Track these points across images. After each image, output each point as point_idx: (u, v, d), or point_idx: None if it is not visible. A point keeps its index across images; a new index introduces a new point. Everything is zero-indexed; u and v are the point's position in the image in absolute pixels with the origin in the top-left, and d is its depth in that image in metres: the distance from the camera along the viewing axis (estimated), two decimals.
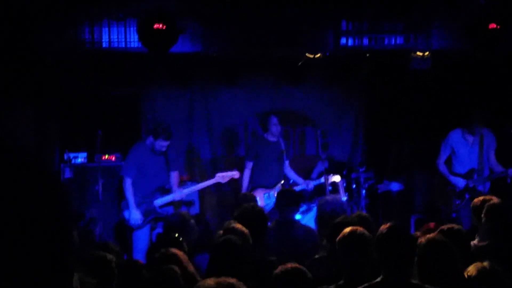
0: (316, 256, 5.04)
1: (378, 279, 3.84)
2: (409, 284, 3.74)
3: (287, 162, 9.02)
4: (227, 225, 5.40)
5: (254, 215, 5.63)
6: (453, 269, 3.99)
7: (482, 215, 5.27)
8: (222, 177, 8.17)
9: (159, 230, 7.50)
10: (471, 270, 3.31)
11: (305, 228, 6.53)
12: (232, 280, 2.54)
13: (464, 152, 8.42)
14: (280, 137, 9.00)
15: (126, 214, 7.77)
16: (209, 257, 4.70)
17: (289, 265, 3.90)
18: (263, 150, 8.72)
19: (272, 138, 8.80)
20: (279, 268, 3.88)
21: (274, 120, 8.75)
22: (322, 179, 8.75)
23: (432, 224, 6.62)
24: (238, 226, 5.26)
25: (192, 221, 5.91)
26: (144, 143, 7.97)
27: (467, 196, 8.26)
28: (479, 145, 8.32)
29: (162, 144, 7.74)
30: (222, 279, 2.54)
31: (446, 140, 8.51)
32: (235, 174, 8.25)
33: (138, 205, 7.74)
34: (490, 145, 8.36)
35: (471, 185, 8.29)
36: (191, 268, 4.37)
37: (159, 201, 7.87)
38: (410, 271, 3.79)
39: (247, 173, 8.66)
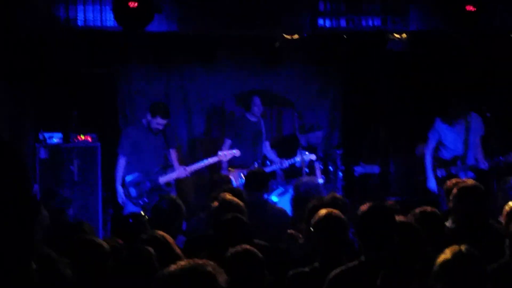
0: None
1: (358, 261, 3.83)
2: (391, 264, 3.74)
3: (267, 143, 9.00)
4: (221, 197, 5.34)
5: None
6: (418, 251, 3.99)
7: (452, 197, 5.27)
8: (224, 155, 8.33)
9: None
10: (446, 253, 3.29)
11: (276, 209, 6.52)
12: (202, 261, 2.51)
13: (450, 139, 8.39)
14: (260, 117, 8.97)
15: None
16: (214, 235, 4.62)
17: (241, 246, 3.89)
18: (242, 129, 8.72)
19: (252, 118, 8.79)
20: (230, 250, 3.87)
21: (256, 100, 8.74)
22: (297, 158, 8.74)
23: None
24: (233, 198, 5.24)
25: (182, 204, 5.84)
26: (139, 123, 8.17)
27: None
28: (464, 131, 8.26)
29: (158, 122, 7.92)
30: (193, 260, 2.51)
31: (434, 126, 8.45)
32: (236, 152, 8.38)
33: (142, 183, 7.90)
34: (477, 131, 8.25)
35: (454, 173, 8.25)
36: (178, 250, 4.32)
37: (164, 179, 8.06)
38: (391, 251, 3.78)
39: (224, 151, 8.63)
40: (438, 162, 8.39)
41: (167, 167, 8.15)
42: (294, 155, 8.82)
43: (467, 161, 8.26)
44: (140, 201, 7.89)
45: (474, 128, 8.25)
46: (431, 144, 8.42)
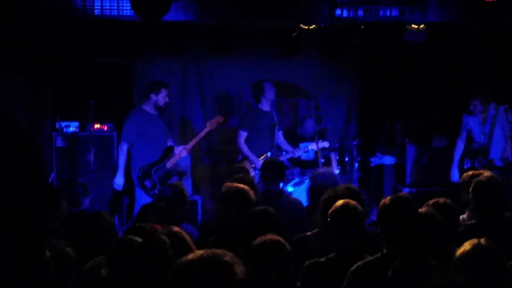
0: (308, 233, 5.02)
1: (381, 253, 3.82)
2: (414, 258, 3.72)
3: (280, 133, 8.98)
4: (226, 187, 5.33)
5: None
6: (443, 243, 3.99)
7: (470, 191, 5.24)
8: (211, 124, 8.47)
9: None
10: (466, 246, 3.29)
11: (291, 200, 6.50)
12: (219, 251, 2.51)
13: (476, 131, 8.35)
14: (273, 108, 8.95)
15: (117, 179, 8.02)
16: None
17: (268, 236, 3.87)
18: (256, 120, 8.68)
19: (266, 108, 8.74)
20: (258, 239, 3.84)
21: (268, 84, 8.68)
22: (310, 146, 8.73)
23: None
24: (238, 186, 5.23)
25: (186, 192, 5.87)
26: (141, 110, 8.16)
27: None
28: (490, 124, 8.18)
29: (164, 95, 8.10)
30: (210, 250, 2.51)
31: (462, 120, 8.43)
32: (219, 118, 8.57)
33: (152, 173, 7.97)
34: (503, 124, 8.12)
35: (476, 165, 8.19)
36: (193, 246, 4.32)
37: (171, 162, 8.18)
38: (414, 244, 3.77)
39: (242, 143, 8.62)
40: (468, 152, 8.35)
41: (171, 153, 8.24)
42: (297, 145, 8.84)
43: (490, 154, 8.18)
44: (156, 191, 7.92)
45: (500, 121, 8.16)
46: (461, 138, 8.44)
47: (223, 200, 5.09)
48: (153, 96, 8.07)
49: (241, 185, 5.22)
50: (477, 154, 8.27)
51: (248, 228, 4.46)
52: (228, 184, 5.30)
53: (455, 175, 8.38)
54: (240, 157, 8.70)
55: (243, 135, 8.64)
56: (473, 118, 8.34)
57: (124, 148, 8.01)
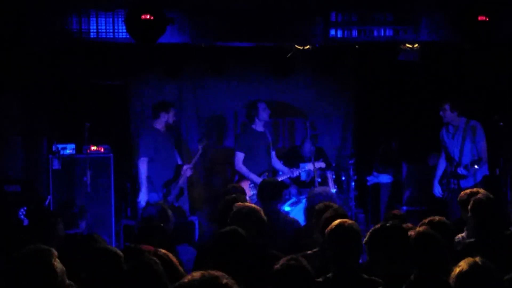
0: (308, 252, 5.02)
1: (413, 277, 3.79)
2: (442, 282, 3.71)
3: (273, 153, 8.98)
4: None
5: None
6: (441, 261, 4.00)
7: (469, 210, 5.24)
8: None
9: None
10: (462, 265, 3.30)
11: (289, 219, 6.49)
12: (218, 273, 2.51)
13: (448, 145, 8.38)
14: (267, 128, 8.96)
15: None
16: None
17: (290, 259, 3.82)
18: (253, 141, 8.68)
19: (259, 129, 8.74)
20: (280, 262, 3.79)
21: (262, 105, 8.68)
22: (308, 166, 8.75)
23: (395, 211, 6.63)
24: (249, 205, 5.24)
25: (170, 211, 5.88)
26: (153, 128, 8.37)
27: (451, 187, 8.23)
28: (462, 137, 8.21)
29: (173, 113, 8.39)
30: (208, 272, 2.51)
31: (440, 140, 8.46)
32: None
33: (173, 189, 8.21)
34: (477, 139, 8.17)
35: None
36: (181, 269, 4.31)
37: (176, 190, 8.34)
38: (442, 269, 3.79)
39: (241, 164, 8.57)
40: (450, 173, 8.36)
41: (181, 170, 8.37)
42: (297, 166, 8.87)
43: (458, 168, 8.19)
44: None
45: (472, 134, 8.17)
46: (442, 156, 8.44)
47: (235, 220, 5.06)
48: (163, 115, 8.29)
49: (253, 205, 5.25)
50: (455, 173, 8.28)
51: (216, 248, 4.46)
52: (240, 204, 5.31)
53: (437, 190, 8.41)
54: (236, 177, 8.69)
55: (241, 156, 8.60)
56: (446, 132, 8.35)
57: (145, 164, 8.16)
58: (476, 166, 7.92)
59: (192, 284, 2.46)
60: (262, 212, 5.15)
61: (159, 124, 8.35)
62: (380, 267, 3.87)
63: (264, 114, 8.65)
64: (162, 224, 5.34)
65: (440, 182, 8.40)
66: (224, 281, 2.48)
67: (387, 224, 4.02)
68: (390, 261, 3.82)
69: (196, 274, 2.52)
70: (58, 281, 3.42)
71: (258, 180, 8.20)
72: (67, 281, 3.51)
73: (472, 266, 3.25)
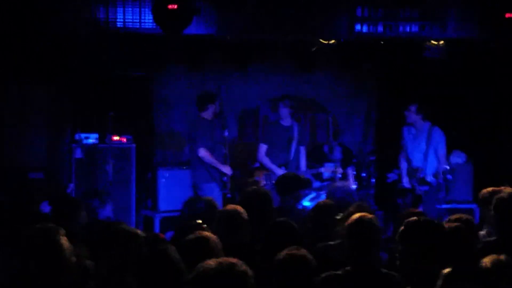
0: (331, 243, 5.02)
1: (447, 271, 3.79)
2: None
3: (303, 148, 8.90)
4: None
5: (257, 199, 5.59)
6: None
7: (492, 208, 5.21)
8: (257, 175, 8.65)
9: None
10: (486, 262, 3.27)
11: (301, 215, 6.37)
12: (234, 260, 2.52)
13: (408, 144, 8.31)
14: (294, 122, 8.90)
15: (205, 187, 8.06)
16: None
17: (293, 250, 3.86)
18: (275, 135, 8.69)
19: (285, 123, 8.73)
20: (283, 253, 3.83)
21: (281, 104, 8.70)
22: (322, 169, 8.75)
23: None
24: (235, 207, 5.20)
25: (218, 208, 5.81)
26: (203, 118, 8.26)
27: (409, 195, 8.15)
28: (425, 143, 8.12)
29: (218, 104, 8.30)
30: (223, 259, 2.53)
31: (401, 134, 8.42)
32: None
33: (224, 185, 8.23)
34: (438, 146, 8.10)
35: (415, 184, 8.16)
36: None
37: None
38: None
39: (263, 156, 8.63)
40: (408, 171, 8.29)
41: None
42: (320, 165, 8.86)
43: (426, 172, 8.12)
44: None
45: (434, 141, 8.10)
46: (402, 153, 8.39)
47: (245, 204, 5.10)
48: (210, 106, 8.23)
49: (236, 206, 5.12)
50: (415, 172, 8.21)
51: (267, 239, 4.47)
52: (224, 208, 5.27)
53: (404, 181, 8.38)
54: (257, 164, 8.73)
55: (263, 148, 8.66)
56: (408, 132, 8.28)
57: (204, 152, 8.06)
58: (448, 176, 7.86)
59: (208, 272, 2.48)
60: (244, 214, 5.06)
61: (207, 115, 8.27)
62: (408, 262, 3.85)
63: (282, 111, 8.65)
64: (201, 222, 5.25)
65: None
66: (243, 267, 2.49)
67: (423, 218, 3.99)
68: (423, 256, 3.79)
69: (215, 261, 2.53)
70: (64, 258, 3.53)
71: (279, 171, 8.21)
72: (74, 259, 3.57)
73: (496, 264, 3.22)
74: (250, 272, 2.53)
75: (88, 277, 3.80)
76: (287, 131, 8.71)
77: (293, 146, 8.79)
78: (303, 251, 3.85)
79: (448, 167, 8.14)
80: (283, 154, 8.70)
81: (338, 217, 5.12)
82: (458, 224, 4.34)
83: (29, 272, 3.43)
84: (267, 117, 9.91)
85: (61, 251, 3.51)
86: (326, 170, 8.87)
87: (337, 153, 9.31)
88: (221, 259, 2.55)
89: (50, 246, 3.49)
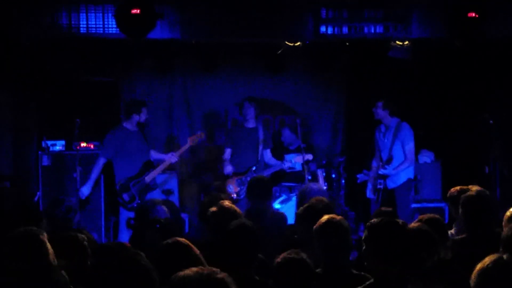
0: None
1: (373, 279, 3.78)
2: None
3: (268, 151, 8.94)
4: (220, 205, 5.25)
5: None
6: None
7: (459, 206, 5.24)
8: (192, 140, 8.61)
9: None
10: (487, 261, 3.24)
11: (277, 217, 6.37)
12: (213, 269, 2.51)
13: (380, 144, 8.36)
14: (260, 124, 8.94)
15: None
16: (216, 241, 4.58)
17: (291, 253, 3.85)
18: (239, 137, 8.72)
19: (250, 125, 8.76)
20: (281, 256, 3.84)
21: (246, 104, 8.75)
22: (295, 159, 8.72)
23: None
24: (231, 206, 5.19)
25: (162, 206, 5.83)
26: (122, 127, 8.25)
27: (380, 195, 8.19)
28: (392, 138, 8.16)
29: (145, 112, 8.29)
30: (204, 268, 2.50)
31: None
32: (201, 134, 8.75)
33: (133, 186, 8.08)
34: (405, 140, 8.14)
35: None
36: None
37: (152, 174, 8.25)
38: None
39: (226, 160, 8.69)
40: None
41: (152, 165, 8.33)
42: (282, 157, 8.88)
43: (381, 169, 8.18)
44: (134, 204, 7.93)
45: (401, 136, 8.13)
46: (376, 155, 8.45)
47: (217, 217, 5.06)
48: (135, 116, 8.23)
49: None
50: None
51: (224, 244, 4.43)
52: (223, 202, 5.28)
53: (368, 192, 8.44)
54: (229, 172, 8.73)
55: (228, 151, 8.75)
56: (378, 132, 8.35)
57: (100, 162, 8.21)
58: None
59: (187, 279, 2.45)
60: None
61: (129, 124, 8.25)
62: (373, 263, 3.84)
63: (246, 112, 8.66)
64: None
65: (373, 183, 8.38)
66: (221, 276, 2.47)
67: (386, 220, 3.98)
68: (385, 257, 3.79)
69: (193, 269, 2.51)
70: (49, 258, 3.54)
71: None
72: (55, 262, 3.56)
73: (497, 263, 3.18)
74: (229, 279, 2.51)
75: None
76: (252, 133, 8.72)
77: (262, 150, 8.80)
78: (302, 255, 3.85)
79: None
80: (251, 157, 8.71)
81: (298, 212, 5.12)
82: (420, 224, 4.35)
83: (13, 275, 3.40)
84: (236, 120, 9.90)
85: (46, 249, 3.54)
86: (287, 162, 8.82)
87: (286, 134, 9.37)
88: (200, 268, 2.52)
89: (36, 244, 3.51)
